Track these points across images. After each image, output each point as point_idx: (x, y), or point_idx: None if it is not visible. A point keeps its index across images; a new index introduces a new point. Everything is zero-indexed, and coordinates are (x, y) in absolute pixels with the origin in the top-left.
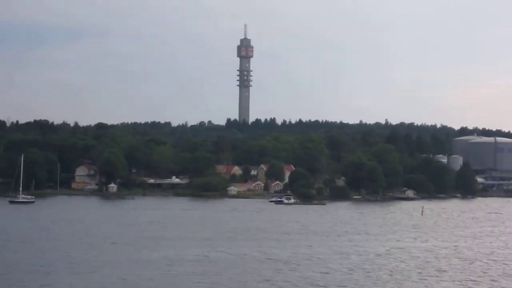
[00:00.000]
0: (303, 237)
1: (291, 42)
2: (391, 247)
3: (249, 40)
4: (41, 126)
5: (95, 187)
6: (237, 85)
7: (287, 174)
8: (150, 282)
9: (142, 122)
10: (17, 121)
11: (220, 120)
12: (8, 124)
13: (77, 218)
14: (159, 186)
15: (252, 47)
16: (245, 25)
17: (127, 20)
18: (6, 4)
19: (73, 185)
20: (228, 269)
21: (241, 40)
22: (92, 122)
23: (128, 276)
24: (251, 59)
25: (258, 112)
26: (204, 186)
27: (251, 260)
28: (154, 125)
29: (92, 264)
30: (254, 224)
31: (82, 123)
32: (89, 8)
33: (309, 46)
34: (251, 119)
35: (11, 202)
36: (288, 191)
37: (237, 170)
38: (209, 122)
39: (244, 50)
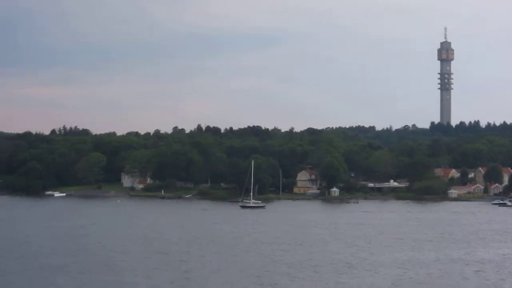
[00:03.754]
0: None
1: (491, 44)
2: None
3: (450, 43)
4: (256, 132)
5: (317, 191)
6: (438, 88)
7: (504, 176)
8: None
9: (347, 126)
10: (231, 128)
11: (422, 123)
12: (222, 131)
13: (324, 221)
14: (379, 190)
15: (453, 50)
16: (445, 28)
17: (325, 25)
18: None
19: (295, 190)
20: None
21: (442, 43)
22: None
23: (417, 276)
24: (451, 62)
25: (459, 114)
26: (425, 190)
27: None
28: (359, 129)
29: (367, 264)
30: (498, 226)
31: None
32: (286, 14)
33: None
34: (453, 121)
35: (243, 207)
36: (511, 194)
37: (454, 173)
38: (413, 125)
39: (445, 53)
